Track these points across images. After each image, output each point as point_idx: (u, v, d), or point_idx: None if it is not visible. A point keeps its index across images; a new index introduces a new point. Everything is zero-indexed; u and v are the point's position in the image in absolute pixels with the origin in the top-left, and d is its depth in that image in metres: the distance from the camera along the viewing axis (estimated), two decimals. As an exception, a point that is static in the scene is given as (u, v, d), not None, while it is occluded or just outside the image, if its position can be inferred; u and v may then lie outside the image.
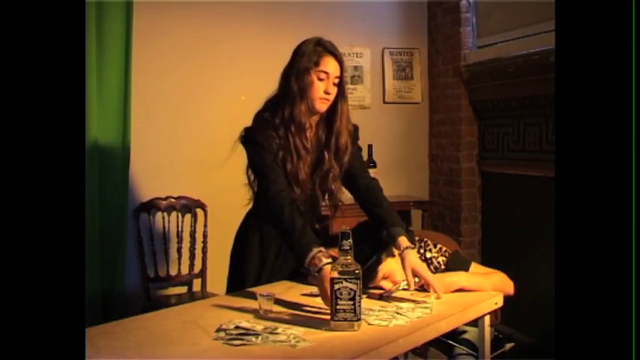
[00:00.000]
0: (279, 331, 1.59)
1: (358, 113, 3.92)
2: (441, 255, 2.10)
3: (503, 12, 3.58)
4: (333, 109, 2.06)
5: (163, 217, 3.40)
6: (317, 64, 1.98)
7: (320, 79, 1.98)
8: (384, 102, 4.03)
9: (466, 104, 3.78)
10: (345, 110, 2.06)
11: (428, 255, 2.11)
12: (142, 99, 3.31)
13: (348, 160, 2.11)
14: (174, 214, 3.43)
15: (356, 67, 3.93)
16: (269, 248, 2.13)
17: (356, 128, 2.18)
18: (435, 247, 2.12)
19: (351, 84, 3.90)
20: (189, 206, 3.45)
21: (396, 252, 2.08)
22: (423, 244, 2.13)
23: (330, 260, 1.80)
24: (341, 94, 2.04)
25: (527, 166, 3.34)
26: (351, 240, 1.65)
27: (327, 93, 1.99)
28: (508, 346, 2.31)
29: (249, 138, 2.02)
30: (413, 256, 1.93)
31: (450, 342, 2.14)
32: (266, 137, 1.98)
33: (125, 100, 3.21)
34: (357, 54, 3.93)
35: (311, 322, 1.68)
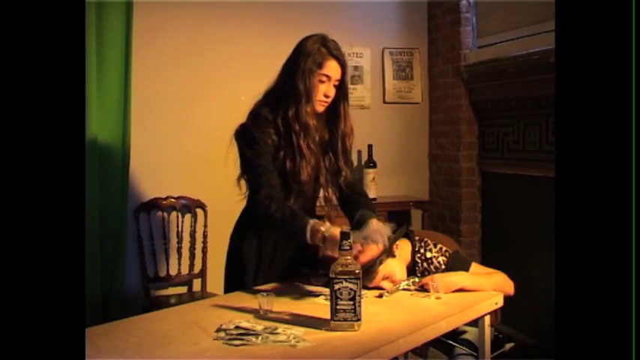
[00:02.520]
0: (279, 331, 1.59)
1: (358, 113, 3.92)
2: (442, 255, 2.10)
3: (503, 12, 3.58)
4: (334, 110, 2.05)
5: (163, 217, 3.40)
6: (320, 66, 1.96)
7: (321, 82, 1.98)
8: (384, 102, 4.03)
9: (466, 104, 3.78)
10: (349, 111, 2.06)
11: (428, 255, 2.11)
12: (141, 99, 3.31)
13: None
14: (174, 214, 3.43)
15: (356, 67, 3.93)
16: (265, 246, 2.12)
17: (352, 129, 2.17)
18: (436, 247, 2.12)
19: (351, 84, 3.90)
20: (189, 206, 3.45)
21: (394, 251, 2.08)
22: (423, 244, 2.13)
23: (329, 225, 1.83)
24: (342, 95, 2.04)
25: (527, 166, 3.34)
26: (351, 240, 1.65)
27: (326, 96, 1.99)
28: (508, 346, 2.31)
29: (245, 135, 2.00)
30: (377, 223, 1.91)
31: (450, 342, 2.14)
32: (263, 135, 1.97)
33: (125, 100, 3.20)
34: (357, 54, 3.93)
35: (311, 322, 1.68)
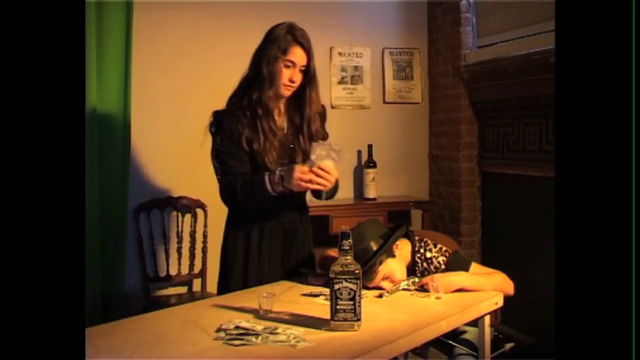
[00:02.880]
0: (279, 331, 1.59)
1: (358, 113, 3.93)
2: (442, 255, 2.10)
3: (503, 12, 3.58)
4: (302, 95, 2.14)
5: (163, 217, 3.40)
6: (285, 52, 2.06)
7: (286, 67, 2.07)
8: (384, 102, 4.03)
9: (466, 104, 3.78)
10: (314, 96, 2.15)
11: (428, 255, 2.11)
12: (141, 98, 3.31)
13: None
14: (174, 214, 3.43)
15: (356, 67, 3.93)
16: (252, 239, 2.15)
17: (323, 110, 2.27)
18: (436, 246, 2.12)
19: (351, 84, 3.91)
20: (189, 206, 3.45)
21: (394, 251, 2.08)
22: (423, 244, 2.13)
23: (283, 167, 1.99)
24: (308, 81, 2.12)
25: (527, 166, 3.34)
26: (351, 240, 1.65)
27: (291, 81, 2.08)
28: (508, 346, 2.31)
29: (215, 121, 2.13)
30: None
31: (450, 342, 2.14)
32: (233, 122, 2.08)
33: (125, 100, 3.21)
34: (357, 54, 3.93)
35: (311, 322, 1.68)
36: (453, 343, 2.15)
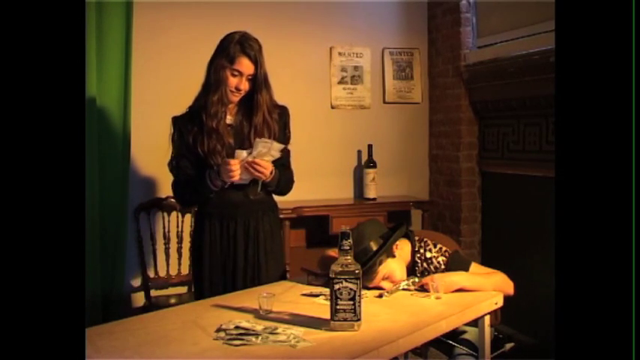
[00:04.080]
0: (279, 331, 1.59)
1: (358, 113, 3.93)
2: (442, 255, 2.10)
3: (503, 12, 3.58)
4: (250, 102, 2.24)
5: (163, 217, 3.40)
6: (232, 61, 2.18)
7: (233, 75, 2.19)
8: (384, 102, 4.02)
9: (466, 104, 3.78)
10: (263, 102, 2.23)
11: (428, 255, 2.11)
12: (141, 98, 3.31)
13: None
14: (174, 214, 3.43)
15: (356, 67, 3.92)
16: (212, 227, 2.26)
17: (284, 112, 2.34)
18: (435, 246, 2.12)
19: (351, 84, 3.90)
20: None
21: (394, 251, 2.08)
22: (423, 244, 2.13)
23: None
24: (257, 89, 2.22)
25: (527, 166, 3.34)
26: (351, 240, 1.65)
27: (237, 89, 2.20)
28: (508, 346, 2.30)
29: (174, 127, 2.28)
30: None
31: (450, 342, 2.14)
32: (184, 125, 2.25)
33: (125, 100, 3.20)
34: (357, 54, 3.93)
35: (311, 322, 1.68)
36: (453, 343, 2.14)
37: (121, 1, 3.16)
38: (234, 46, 2.18)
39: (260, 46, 2.22)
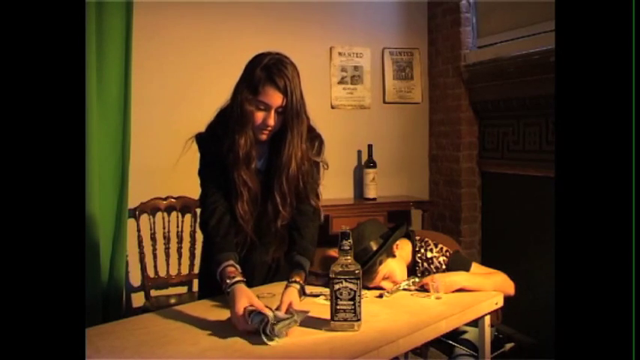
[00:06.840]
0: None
1: (358, 113, 3.93)
2: (442, 255, 2.10)
3: (503, 12, 3.58)
4: (282, 138, 1.83)
5: (163, 217, 3.40)
6: (255, 92, 1.76)
7: (259, 109, 1.78)
8: (384, 102, 4.03)
9: (466, 104, 3.78)
10: (296, 145, 1.82)
11: (429, 255, 2.11)
12: (141, 98, 3.31)
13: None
14: (174, 214, 3.43)
15: (356, 67, 3.93)
16: None
17: (319, 141, 1.96)
18: (436, 246, 2.12)
19: (351, 84, 3.91)
20: (189, 206, 3.45)
21: (395, 251, 2.08)
22: (424, 244, 2.13)
23: (241, 278, 1.71)
24: (289, 126, 1.80)
25: (527, 166, 3.34)
26: (351, 240, 1.65)
27: (265, 124, 1.79)
28: (508, 346, 2.31)
29: (199, 146, 1.94)
30: (293, 292, 1.75)
31: (450, 342, 2.14)
32: (212, 153, 1.89)
33: (125, 99, 3.20)
34: (357, 54, 3.93)
35: (311, 322, 1.68)
36: (453, 343, 2.15)
37: (121, 1, 3.15)
38: (260, 73, 1.75)
39: (295, 72, 1.80)
